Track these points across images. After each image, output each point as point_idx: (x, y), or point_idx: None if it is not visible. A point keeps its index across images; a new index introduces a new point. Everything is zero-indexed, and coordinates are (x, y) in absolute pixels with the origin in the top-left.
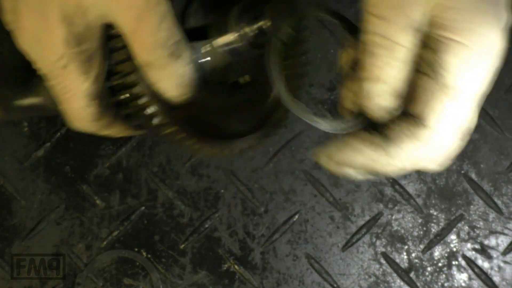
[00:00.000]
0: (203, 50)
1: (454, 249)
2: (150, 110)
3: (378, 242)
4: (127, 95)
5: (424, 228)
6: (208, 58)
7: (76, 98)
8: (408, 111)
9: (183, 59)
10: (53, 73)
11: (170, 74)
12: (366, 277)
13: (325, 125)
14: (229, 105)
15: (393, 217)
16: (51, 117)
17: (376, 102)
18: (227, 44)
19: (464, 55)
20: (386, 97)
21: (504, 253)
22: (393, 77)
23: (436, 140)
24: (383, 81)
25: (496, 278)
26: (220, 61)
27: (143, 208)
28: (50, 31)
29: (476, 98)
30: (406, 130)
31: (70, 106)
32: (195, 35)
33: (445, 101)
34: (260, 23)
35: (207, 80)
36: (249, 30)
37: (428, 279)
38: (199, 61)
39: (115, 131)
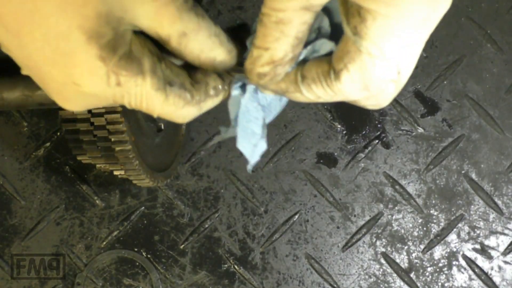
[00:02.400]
0: None
1: (455, 249)
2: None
3: (378, 242)
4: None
5: (424, 228)
6: None
7: (147, 98)
8: (328, 62)
9: (208, 18)
10: (111, 97)
11: (208, 35)
12: (366, 277)
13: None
14: (154, 141)
15: (393, 217)
16: (51, 117)
17: (254, 67)
18: None
19: (381, 24)
20: (264, 65)
21: (505, 253)
22: (275, 48)
23: (343, 92)
24: (265, 50)
25: (496, 278)
26: None
27: (143, 208)
28: (81, 61)
29: (391, 64)
30: (321, 75)
31: (149, 109)
32: None
33: (359, 63)
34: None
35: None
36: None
37: (428, 279)
38: None
39: (206, 105)
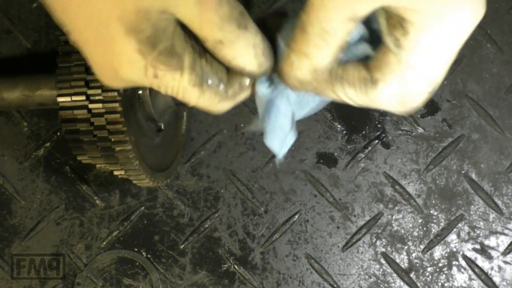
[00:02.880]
0: None
1: (454, 249)
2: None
3: (378, 242)
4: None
5: (424, 228)
6: None
7: (184, 92)
8: (365, 68)
9: (251, 28)
10: (145, 84)
11: (244, 46)
12: (366, 277)
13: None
14: (154, 141)
15: (393, 217)
16: (51, 117)
17: (294, 73)
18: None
19: (425, 37)
20: (305, 71)
21: (505, 253)
22: (316, 55)
23: (378, 101)
24: (305, 55)
25: (496, 278)
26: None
27: (143, 208)
28: (120, 52)
29: (430, 77)
30: (358, 80)
31: (185, 100)
32: None
33: (399, 75)
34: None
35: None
36: None
37: (428, 279)
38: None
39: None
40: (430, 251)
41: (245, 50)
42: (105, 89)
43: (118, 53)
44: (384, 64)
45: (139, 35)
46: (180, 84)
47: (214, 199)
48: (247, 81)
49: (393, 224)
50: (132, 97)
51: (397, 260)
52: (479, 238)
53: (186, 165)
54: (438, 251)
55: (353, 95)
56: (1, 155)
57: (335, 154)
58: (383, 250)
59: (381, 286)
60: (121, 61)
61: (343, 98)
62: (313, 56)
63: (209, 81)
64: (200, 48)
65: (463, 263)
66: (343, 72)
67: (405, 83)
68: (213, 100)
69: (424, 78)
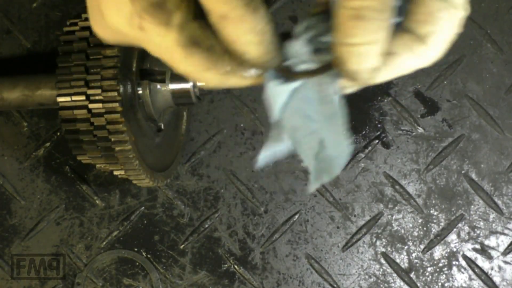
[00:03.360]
0: None
1: (455, 249)
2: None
3: (378, 242)
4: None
5: (424, 228)
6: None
7: (169, 52)
8: (409, 30)
9: (261, 13)
10: (130, 38)
11: (249, 29)
12: (366, 277)
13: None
14: (154, 141)
15: (393, 217)
16: (51, 117)
17: (363, 63)
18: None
19: None
20: (376, 58)
21: (505, 253)
22: (385, 37)
23: (429, 54)
24: (375, 43)
25: (497, 278)
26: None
27: (143, 208)
28: None
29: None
30: (408, 46)
31: (170, 63)
32: None
33: (448, 21)
34: None
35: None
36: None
37: (429, 279)
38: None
39: (236, 79)
40: (430, 251)
41: (249, 33)
42: (105, 89)
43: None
44: (428, 16)
45: None
46: (166, 42)
47: (214, 199)
48: (249, 70)
49: (393, 224)
50: (132, 97)
51: (397, 260)
52: (479, 238)
53: (186, 165)
54: (438, 251)
55: (411, 63)
56: (1, 155)
57: None
58: (383, 250)
59: (381, 286)
60: (108, 4)
61: (401, 72)
62: (375, 40)
63: (198, 45)
64: (196, 11)
65: (463, 263)
66: (394, 46)
67: (453, 26)
68: (199, 67)
69: (463, 16)
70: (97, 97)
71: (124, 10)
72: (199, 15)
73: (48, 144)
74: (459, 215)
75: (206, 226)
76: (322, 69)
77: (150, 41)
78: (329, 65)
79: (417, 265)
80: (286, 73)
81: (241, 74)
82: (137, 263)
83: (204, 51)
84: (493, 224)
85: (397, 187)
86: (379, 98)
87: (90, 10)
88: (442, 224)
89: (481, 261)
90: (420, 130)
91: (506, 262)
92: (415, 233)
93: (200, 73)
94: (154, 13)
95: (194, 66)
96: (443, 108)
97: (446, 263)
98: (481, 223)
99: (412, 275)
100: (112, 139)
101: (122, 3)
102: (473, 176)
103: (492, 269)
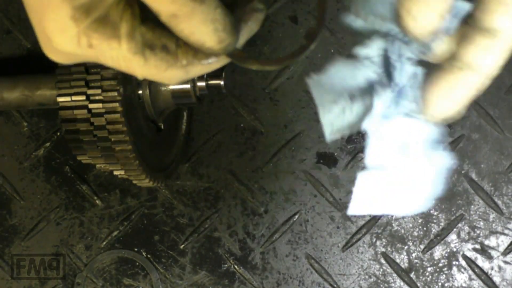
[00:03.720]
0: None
1: (455, 249)
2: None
3: (378, 242)
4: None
5: (424, 228)
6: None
7: (126, 61)
8: (479, 26)
9: (209, 1)
10: (83, 57)
11: (201, 20)
12: (366, 277)
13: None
14: (154, 141)
15: (393, 217)
16: (51, 117)
17: (420, 19)
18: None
19: None
20: (437, 18)
21: (505, 253)
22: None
23: (502, 47)
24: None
25: (497, 278)
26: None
27: (143, 208)
28: (54, 18)
29: None
30: (477, 43)
31: (130, 71)
32: None
33: None
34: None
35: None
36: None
37: (429, 279)
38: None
39: (197, 69)
40: (430, 251)
41: (202, 25)
42: (105, 89)
43: (52, 20)
44: (496, 5)
45: (74, 1)
46: (120, 53)
47: (214, 199)
48: (210, 58)
49: (393, 224)
50: (132, 97)
51: (397, 260)
52: (479, 238)
53: (186, 165)
54: (438, 251)
55: (488, 60)
56: (1, 155)
57: (335, 154)
58: (383, 250)
59: (381, 286)
60: (54, 29)
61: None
62: None
63: (153, 47)
64: (141, 15)
65: (463, 263)
66: (463, 40)
67: None
68: (160, 67)
69: None
70: (97, 97)
71: (70, 32)
72: (145, 17)
73: (48, 144)
74: (459, 215)
75: (206, 226)
76: (297, 52)
77: (103, 56)
78: (302, 48)
79: (417, 265)
80: (241, 56)
81: (202, 62)
82: (137, 263)
83: (159, 52)
84: (493, 224)
85: None
86: None
87: (38, 36)
88: (442, 224)
89: (481, 261)
90: None
91: (506, 262)
92: (415, 233)
93: (161, 73)
94: (100, 29)
95: (153, 69)
96: None
97: (446, 263)
98: (481, 223)
99: (412, 275)
100: (112, 139)
101: (66, 25)
102: (473, 176)
103: (492, 269)
